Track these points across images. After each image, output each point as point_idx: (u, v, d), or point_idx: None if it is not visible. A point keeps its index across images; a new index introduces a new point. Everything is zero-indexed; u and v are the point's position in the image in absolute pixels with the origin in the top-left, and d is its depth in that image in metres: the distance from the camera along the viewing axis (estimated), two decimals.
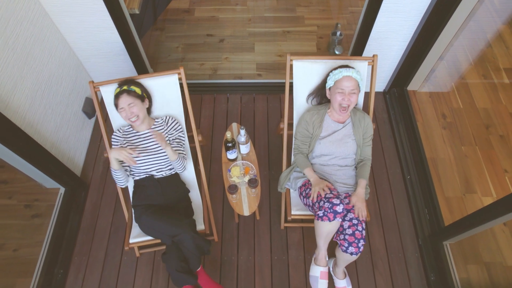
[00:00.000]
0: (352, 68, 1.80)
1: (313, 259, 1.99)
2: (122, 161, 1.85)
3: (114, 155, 1.76)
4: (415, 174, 2.48)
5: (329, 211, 1.64)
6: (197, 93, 2.84)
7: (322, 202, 1.67)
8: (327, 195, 1.68)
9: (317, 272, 1.93)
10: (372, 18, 2.22)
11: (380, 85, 2.86)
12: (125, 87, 1.83)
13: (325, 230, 1.71)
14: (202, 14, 3.33)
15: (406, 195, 2.44)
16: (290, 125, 2.19)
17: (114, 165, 1.81)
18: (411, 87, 2.84)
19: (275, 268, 2.18)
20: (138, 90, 1.86)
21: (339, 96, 1.78)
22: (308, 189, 1.82)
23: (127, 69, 2.64)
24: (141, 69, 2.67)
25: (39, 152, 2.02)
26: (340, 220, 1.67)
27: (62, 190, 2.37)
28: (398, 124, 2.71)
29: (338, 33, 2.95)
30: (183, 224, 1.76)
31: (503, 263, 2.14)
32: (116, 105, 1.84)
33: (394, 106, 2.80)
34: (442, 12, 2.12)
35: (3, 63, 1.76)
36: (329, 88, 1.86)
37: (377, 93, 2.89)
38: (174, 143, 1.95)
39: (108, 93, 1.96)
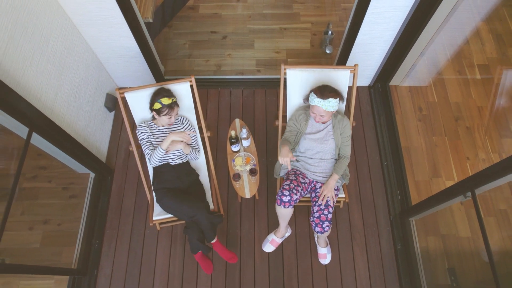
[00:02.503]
0: (327, 99, 2.05)
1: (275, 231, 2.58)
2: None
3: (174, 137, 2.23)
4: (391, 161, 2.91)
5: (278, 198, 2.16)
6: (203, 88, 3.21)
7: (280, 190, 2.17)
8: (284, 185, 2.17)
9: (270, 237, 2.58)
10: (356, 28, 2.55)
11: (366, 80, 3.21)
12: (174, 99, 2.24)
13: (279, 212, 2.26)
14: (206, 11, 3.62)
15: (383, 178, 2.89)
16: (284, 117, 2.59)
17: (164, 146, 2.23)
18: (393, 82, 3.19)
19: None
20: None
21: (312, 114, 2.17)
22: (286, 177, 2.31)
23: (142, 68, 2.99)
24: (154, 68, 3.02)
25: (75, 145, 2.43)
26: (291, 208, 2.18)
27: (92, 175, 2.81)
28: (380, 116, 3.10)
29: (330, 32, 3.27)
30: (199, 206, 2.22)
31: (456, 235, 2.62)
32: (161, 110, 2.21)
33: (377, 99, 3.18)
34: (422, 14, 2.38)
35: (47, 76, 2.14)
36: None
37: (363, 87, 3.26)
38: (193, 143, 2.38)
39: (132, 98, 2.35)
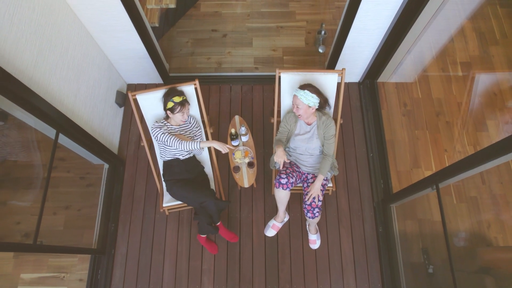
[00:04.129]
0: (305, 90, 2.35)
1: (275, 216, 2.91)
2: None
3: (215, 145, 2.47)
4: (376, 152, 3.22)
5: (276, 182, 2.47)
6: (205, 84, 3.47)
7: (278, 175, 2.48)
8: (281, 171, 2.47)
9: (271, 223, 2.90)
10: (345, 33, 2.80)
11: (356, 77, 3.47)
12: (184, 97, 2.51)
13: (278, 195, 2.56)
14: (207, 9, 3.83)
15: (368, 168, 3.20)
16: (279, 113, 2.86)
17: (204, 145, 2.48)
18: (381, 79, 3.45)
19: (267, 222, 3.01)
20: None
21: (292, 106, 2.45)
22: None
23: (149, 67, 3.24)
24: (159, 66, 3.27)
25: (92, 141, 2.73)
26: (288, 191, 2.47)
27: (106, 166, 3.13)
28: (368, 111, 3.38)
29: (323, 32, 3.50)
30: (207, 193, 2.53)
31: (431, 219, 2.94)
32: (174, 108, 2.47)
33: (365, 95, 3.45)
34: (407, 19, 2.60)
35: (67, 82, 2.41)
36: None
37: (352, 84, 3.52)
38: (198, 138, 2.68)
39: (143, 99, 2.63)
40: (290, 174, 2.47)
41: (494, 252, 2.41)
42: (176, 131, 2.62)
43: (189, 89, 2.69)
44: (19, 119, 2.31)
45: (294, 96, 2.40)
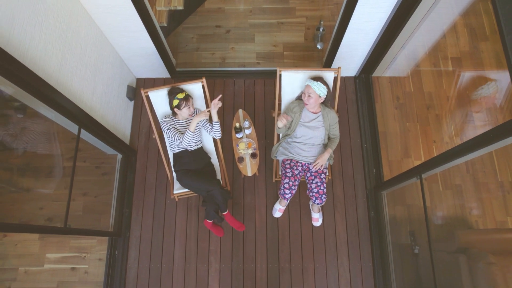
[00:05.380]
0: (318, 82, 2.64)
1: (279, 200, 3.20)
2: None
3: (197, 119, 2.67)
4: (370, 143, 3.47)
5: (281, 195, 2.76)
6: (210, 78, 3.68)
7: (282, 187, 2.74)
8: (284, 184, 2.74)
9: (277, 207, 3.20)
10: (341, 33, 3.00)
11: (352, 71, 3.68)
12: (186, 93, 2.73)
13: (283, 200, 2.86)
14: (211, 6, 4.00)
15: (362, 158, 3.45)
16: (279, 105, 3.09)
17: (192, 128, 2.70)
18: (376, 73, 3.66)
19: (268, 208, 3.28)
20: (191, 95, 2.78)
21: (303, 95, 2.70)
22: (283, 168, 2.86)
23: (157, 63, 3.45)
24: (167, 62, 3.48)
25: (108, 134, 2.97)
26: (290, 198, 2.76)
27: (119, 156, 3.38)
28: (362, 104, 3.61)
29: (321, 29, 3.68)
30: (213, 183, 2.79)
31: (419, 205, 3.21)
32: (180, 104, 2.70)
33: (361, 89, 3.67)
34: (399, 19, 2.81)
35: (86, 81, 2.63)
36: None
37: (349, 78, 3.73)
38: (206, 124, 2.92)
39: (154, 96, 2.85)
40: (292, 187, 2.75)
41: (470, 234, 2.69)
42: (184, 125, 2.86)
43: (197, 86, 2.91)
44: (41, 114, 2.55)
45: (307, 86, 2.64)
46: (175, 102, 2.72)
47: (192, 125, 2.72)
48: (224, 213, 3.03)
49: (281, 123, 2.66)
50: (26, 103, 2.20)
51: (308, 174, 2.86)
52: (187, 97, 2.74)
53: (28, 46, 1.94)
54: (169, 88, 2.83)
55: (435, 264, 2.21)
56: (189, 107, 2.76)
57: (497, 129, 1.63)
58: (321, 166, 2.78)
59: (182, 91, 2.75)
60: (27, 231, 2.48)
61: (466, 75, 3.52)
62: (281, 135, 3.02)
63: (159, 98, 2.89)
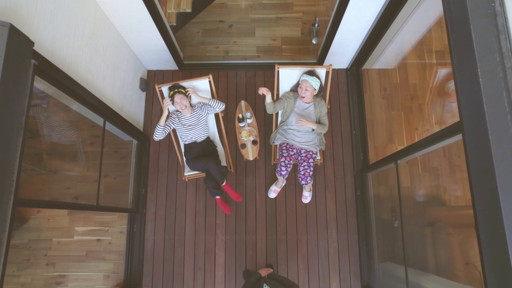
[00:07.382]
0: (313, 76, 3.03)
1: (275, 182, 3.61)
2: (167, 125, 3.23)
3: (165, 111, 3.12)
4: (358, 130, 3.87)
5: (278, 172, 3.16)
6: (215, 70, 4.04)
7: (278, 165, 3.15)
8: (280, 162, 3.13)
9: (273, 188, 3.62)
10: (333, 33, 3.34)
11: (344, 64, 4.03)
12: (176, 90, 3.10)
13: (279, 178, 3.27)
14: (215, 1, 4.29)
15: (351, 143, 3.86)
16: (277, 96, 3.47)
17: (162, 122, 3.14)
18: (366, 66, 4.01)
19: (268, 187, 3.73)
20: (183, 90, 3.14)
21: (299, 89, 3.08)
22: (279, 150, 3.26)
23: (166, 57, 3.80)
24: (175, 56, 3.82)
25: (126, 124, 3.36)
26: (287, 175, 3.16)
27: (135, 142, 3.78)
28: (353, 95, 3.98)
29: (316, 24, 4.00)
30: (209, 160, 3.19)
31: (400, 185, 3.66)
32: (172, 101, 3.12)
33: (352, 80, 4.03)
34: (386, 19, 3.16)
35: (108, 78, 3.00)
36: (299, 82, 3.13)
37: (341, 70, 4.09)
38: (204, 106, 3.30)
39: (166, 92, 3.23)
40: (287, 165, 3.14)
41: (437, 211, 3.13)
42: (189, 119, 3.25)
43: (204, 82, 3.28)
44: (72, 109, 2.94)
45: (304, 80, 3.03)
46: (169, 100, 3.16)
47: (162, 119, 3.16)
48: (222, 184, 3.44)
49: (268, 98, 3.06)
50: (64, 102, 2.58)
51: (299, 158, 3.28)
52: (173, 95, 3.14)
53: (65, 54, 2.31)
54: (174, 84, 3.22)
55: (407, 235, 2.67)
56: (178, 103, 3.13)
57: (448, 128, 2.03)
58: (303, 123, 3.05)
59: (174, 89, 3.13)
60: (69, 208, 2.88)
61: (446, 69, 3.87)
62: (278, 122, 3.42)
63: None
